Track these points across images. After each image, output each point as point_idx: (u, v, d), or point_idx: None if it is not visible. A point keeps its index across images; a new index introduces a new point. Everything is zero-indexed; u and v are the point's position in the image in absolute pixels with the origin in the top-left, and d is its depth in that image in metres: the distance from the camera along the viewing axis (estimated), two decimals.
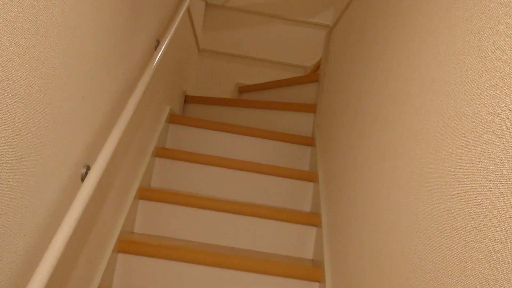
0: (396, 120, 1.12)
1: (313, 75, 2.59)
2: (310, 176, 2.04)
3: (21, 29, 0.73)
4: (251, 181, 2.02)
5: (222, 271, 1.59)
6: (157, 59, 1.60)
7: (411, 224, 0.92)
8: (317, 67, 2.96)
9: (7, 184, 0.76)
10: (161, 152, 1.99)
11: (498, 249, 0.63)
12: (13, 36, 0.71)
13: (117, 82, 1.32)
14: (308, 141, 2.25)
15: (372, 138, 1.29)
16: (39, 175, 0.89)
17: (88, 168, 1.13)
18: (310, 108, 2.42)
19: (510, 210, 0.61)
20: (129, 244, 1.56)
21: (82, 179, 1.12)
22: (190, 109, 2.64)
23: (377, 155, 1.22)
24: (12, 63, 0.72)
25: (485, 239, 0.66)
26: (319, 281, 1.60)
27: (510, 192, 0.62)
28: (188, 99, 2.64)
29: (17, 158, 0.78)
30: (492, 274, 0.63)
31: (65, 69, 0.93)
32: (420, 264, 0.85)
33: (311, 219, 1.82)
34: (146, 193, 1.78)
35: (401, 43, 1.18)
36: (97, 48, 1.10)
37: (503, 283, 0.61)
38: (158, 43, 1.72)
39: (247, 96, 3.02)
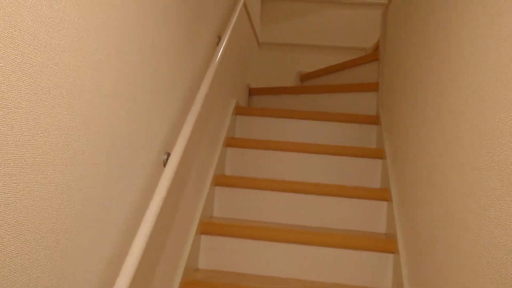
0: (453, 83, 1.14)
1: (373, 54, 2.59)
2: (377, 153, 2.06)
3: (105, 34, 0.87)
4: (319, 163, 2.09)
5: (301, 247, 1.68)
6: (219, 54, 1.72)
7: (474, 180, 0.95)
8: (377, 46, 2.94)
9: (104, 167, 0.91)
10: (231, 142, 2.12)
11: None
12: (99, 37, 0.85)
13: (187, 78, 1.46)
14: (373, 120, 2.27)
15: (433, 104, 1.31)
16: (128, 159, 1.03)
17: (169, 155, 1.27)
18: (372, 87, 2.43)
19: None
20: (211, 226, 1.69)
21: (164, 165, 1.27)
22: (255, 100, 2.76)
23: (438, 120, 1.24)
24: (101, 62, 0.86)
25: None
26: (393, 252, 1.64)
27: None
28: (252, 92, 2.76)
29: (110, 145, 0.92)
30: None
31: (142, 67, 1.07)
32: (484, 215, 0.88)
33: (381, 194, 1.85)
34: (221, 180, 1.91)
35: (455, 8, 1.19)
36: (168, 49, 1.24)
37: None
38: (219, 39, 1.84)
39: (309, 83, 3.08)
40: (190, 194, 1.59)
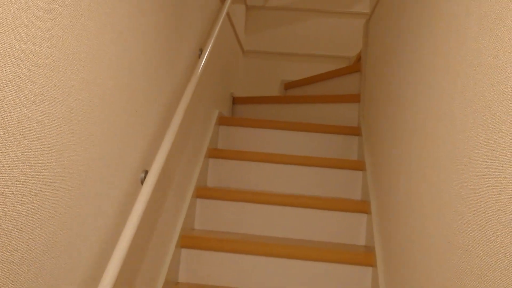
0: (426, 103, 1.16)
1: (355, 65, 2.61)
2: (358, 165, 2.09)
3: (78, 59, 0.87)
4: (301, 174, 2.10)
5: (279, 261, 1.69)
6: (200, 67, 1.72)
7: (444, 203, 0.96)
8: (360, 57, 2.97)
9: (77, 192, 0.91)
10: (214, 153, 2.12)
11: None
12: (72, 64, 0.85)
13: (165, 94, 1.46)
14: (355, 131, 2.29)
15: (409, 122, 1.33)
16: (104, 181, 1.03)
17: (146, 173, 1.27)
18: (354, 98, 2.45)
19: None
20: (191, 240, 1.69)
21: (142, 182, 1.26)
22: (239, 110, 2.76)
23: (413, 138, 1.26)
24: (74, 88, 0.86)
25: (504, 211, 0.70)
26: (372, 266, 1.66)
27: None
28: (236, 101, 2.77)
29: (84, 169, 0.92)
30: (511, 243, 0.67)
31: (118, 88, 1.07)
32: (453, 240, 0.90)
33: (362, 206, 1.87)
34: (203, 192, 1.91)
35: (428, 28, 1.22)
36: (144, 66, 1.24)
37: None
38: (201, 52, 1.84)
39: (292, 92, 3.10)
40: (170, 208, 1.59)
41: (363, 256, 1.65)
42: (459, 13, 0.98)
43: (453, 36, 1.01)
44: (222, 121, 2.35)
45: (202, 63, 1.75)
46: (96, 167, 0.98)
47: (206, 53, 1.81)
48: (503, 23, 0.76)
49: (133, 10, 1.13)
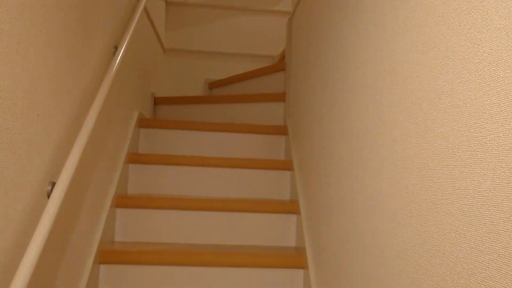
0: (354, 101, 1.13)
1: (280, 64, 2.59)
2: (286, 165, 2.05)
3: None
4: (228, 177, 2.02)
5: (207, 270, 1.60)
6: (115, 65, 1.58)
7: (377, 204, 0.94)
8: (283, 55, 2.96)
9: None
10: (134, 158, 1.98)
11: (450, 221, 0.64)
12: None
13: (74, 95, 1.31)
14: (281, 130, 2.26)
15: (336, 122, 1.30)
16: (2, 197, 0.88)
17: (53, 184, 1.11)
18: (280, 97, 2.43)
19: (457, 182, 0.63)
20: (109, 254, 1.55)
21: (48, 196, 1.11)
22: (161, 110, 2.62)
23: (342, 137, 1.24)
24: None
25: (439, 213, 0.67)
26: (303, 268, 1.62)
27: (456, 164, 0.63)
28: (157, 101, 2.62)
29: None
30: (447, 246, 0.65)
31: (15, 89, 0.92)
32: (388, 242, 0.87)
33: (290, 207, 1.84)
34: (123, 201, 1.77)
35: (352, 23, 1.19)
36: (47, 64, 1.08)
37: (457, 253, 0.62)
38: (116, 49, 1.70)
39: (217, 91, 3.01)
40: (85, 222, 1.43)
41: (294, 258, 1.61)
42: (384, 7, 0.95)
43: (379, 31, 0.98)
44: (143, 123, 2.20)
45: (118, 61, 1.61)
46: None
47: (122, 50, 1.66)
48: (431, 17, 0.73)
49: (32, 3, 0.98)
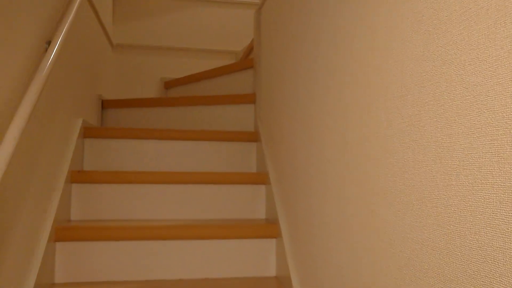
0: (320, 94, 0.88)
1: (247, 61, 2.31)
2: (259, 178, 1.78)
3: None
4: (192, 194, 1.72)
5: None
6: (49, 63, 1.25)
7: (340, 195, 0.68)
8: (249, 50, 2.68)
9: None
10: (78, 177, 1.63)
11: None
12: None
13: None
14: (252, 137, 1.98)
15: (317, 119, 1.04)
16: None
17: None
18: (249, 98, 2.15)
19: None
20: None
21: None
22: (111, 116, 2.27)
23: (320, 138, 0.98)
24: None
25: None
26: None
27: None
28: (106, 104, 2.26)
29: None
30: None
31: None
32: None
33: (269, 229, 1.56)
34: (64, 232, 1.43)
35: (330, 16, 0.93)
36: None
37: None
38: (49, 45, 1.36)
39: (174, 91, 2.69)
40: (12, 266, 1.10)
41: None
42: None
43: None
44: (88, 132, 1.85)
45: (51, 58, 1.28)
46: None
47: (56, 46, 1.33)
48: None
49: None
